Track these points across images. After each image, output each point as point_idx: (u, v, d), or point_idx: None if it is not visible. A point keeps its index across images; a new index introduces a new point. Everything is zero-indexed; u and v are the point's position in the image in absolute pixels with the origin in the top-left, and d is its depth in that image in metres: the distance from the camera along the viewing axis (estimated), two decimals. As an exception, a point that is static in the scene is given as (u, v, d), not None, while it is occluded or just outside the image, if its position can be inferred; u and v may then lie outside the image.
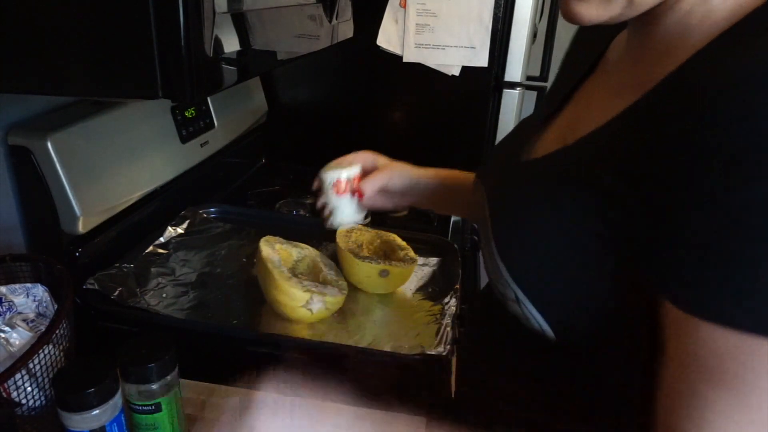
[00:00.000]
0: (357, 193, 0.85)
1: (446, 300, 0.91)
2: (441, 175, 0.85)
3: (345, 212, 0.88)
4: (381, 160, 0.89)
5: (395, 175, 0.86)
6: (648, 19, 0.45)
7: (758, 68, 0.34)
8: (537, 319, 0.48)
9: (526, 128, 0.62)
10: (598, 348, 0.46)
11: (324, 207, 0.89)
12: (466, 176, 0.81)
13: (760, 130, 0.33)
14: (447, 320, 0.86)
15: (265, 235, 0.95)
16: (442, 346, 0.80)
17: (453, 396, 0.74)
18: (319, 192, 0.89)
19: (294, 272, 0.94)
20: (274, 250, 0.91)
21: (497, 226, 0.52)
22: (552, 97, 0.62)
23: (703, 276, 0.35)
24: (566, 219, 0.45)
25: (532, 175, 0.52)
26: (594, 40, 0.60)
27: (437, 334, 0.83)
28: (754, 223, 0.33)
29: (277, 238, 0.95)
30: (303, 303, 0.81)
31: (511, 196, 0.53)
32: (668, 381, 0.39)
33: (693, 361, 0.37)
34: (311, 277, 0.92)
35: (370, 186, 0.85)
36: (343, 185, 0.85)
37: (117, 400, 0.57)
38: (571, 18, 0.45)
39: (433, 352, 0.77)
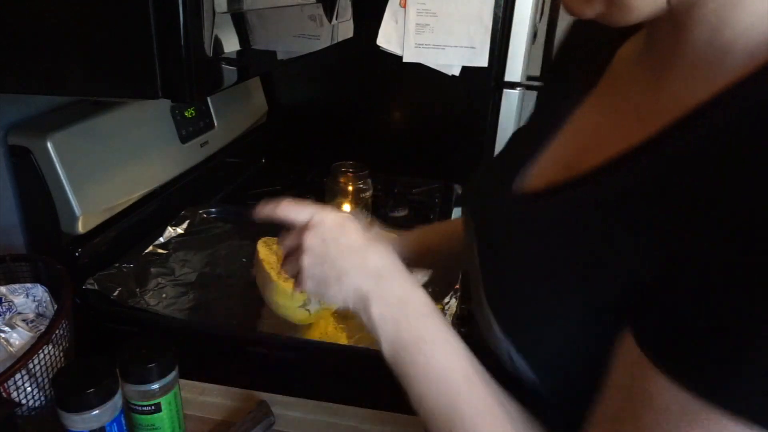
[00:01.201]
0: None
1: (446, 300, 0.91)
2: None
3: None
4: None
5: None
6: (668, 30, 0.39)
7: None
8: (531, 378, 0.41)
9: (519, 147, 0.52)
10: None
11: None
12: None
13: None
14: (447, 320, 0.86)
15: (264, 236, 0.95)
16: (442, 346, 0.80)
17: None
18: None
19: None
20: (272, 251, 0.91)
21: (488, 272, 0.45)
22: (546, 111, 0.54)
23: (683, 335, 0.31)
24: (568, 265, 0.39)
25: (532, 212, 0.44)
26: (592, 49, 0.51)
27: (437, 334, 0.83)
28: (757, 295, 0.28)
29: (275, 239, 0.95)
30: (300, 303, 0.81)
31: (506, 237, 0.45)
32: (601, 404, 0.36)
33: (630, 398, 0.34)
34: None
35: None
36: None
37: (117, 401, 0.57)
38: (566, 10, 0.40)
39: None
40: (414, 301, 0.46)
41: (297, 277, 0.51)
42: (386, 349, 0.45)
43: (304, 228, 0.50)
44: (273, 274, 0.83)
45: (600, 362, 0.36)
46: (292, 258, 0.51)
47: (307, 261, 0.49)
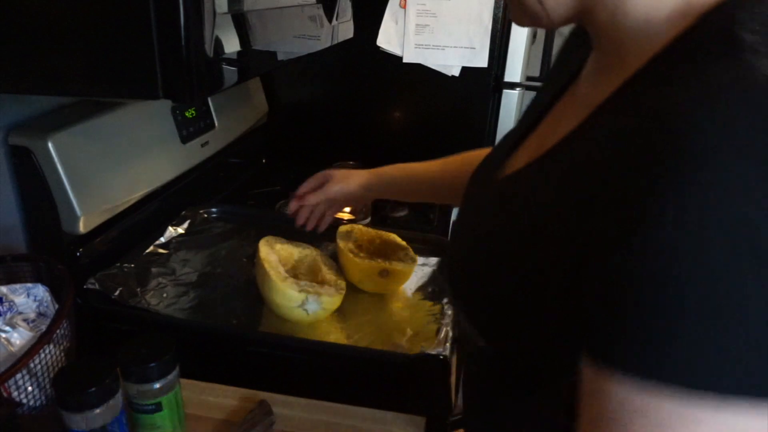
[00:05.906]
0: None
1: (446, 300, 0.91)
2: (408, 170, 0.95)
3: None
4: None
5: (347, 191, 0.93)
6: (593, 31, 0.43)
7: (679, 106, 0.31)
8: (480, 340, 0.46)
9: (507, 142, 0.58)
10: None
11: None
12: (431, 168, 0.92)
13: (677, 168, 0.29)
14: (447, 320, 0.86)
15: (265, 235, 0.95)
16: (442, 346, 0.80)
17: (453, 395, 0.74)
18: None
19: (295, 272, 0.94)
20: (273, 251, 0.91)
21: (452, 244, 0.54)
22: (530, 112, 0.58)
23: (613, 323, 0.31)
24: (504, 243, 0.43)
25: (495, 193, 0.50)
26: (573, 55, 0.56)
27: (437, 334, 0.83)
28: (667, 266, 0.29)
29: (278, 238, 0.95)
30: (298, 304, 0.81)
31: (472, 214, 0.52)
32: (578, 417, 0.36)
33: (600, 417, 0.33)
34: (311, 276, 0.92)
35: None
36: None
37: (118, 400, 0.57)
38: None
39: (433, 352, 0.77)
40: None
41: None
42: None
43: None
44: (272, 273, 0.83)
45: (533, 325, 0.40)
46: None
47: None
